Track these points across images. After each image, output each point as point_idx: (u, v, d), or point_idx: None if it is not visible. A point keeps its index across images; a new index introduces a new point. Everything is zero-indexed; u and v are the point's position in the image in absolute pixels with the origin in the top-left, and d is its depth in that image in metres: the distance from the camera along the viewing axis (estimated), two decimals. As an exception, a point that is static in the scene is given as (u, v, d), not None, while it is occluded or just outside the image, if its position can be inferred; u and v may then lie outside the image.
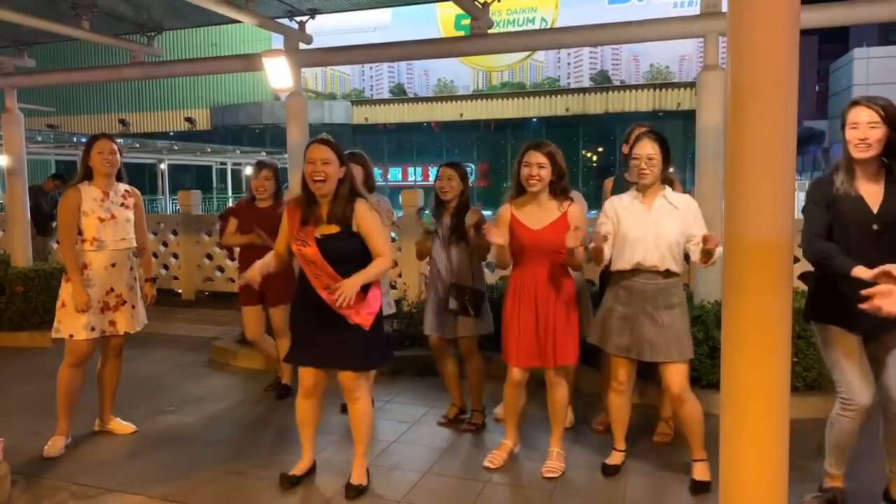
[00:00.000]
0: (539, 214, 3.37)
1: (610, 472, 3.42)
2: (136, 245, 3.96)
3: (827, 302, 2.85)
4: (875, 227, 2.72)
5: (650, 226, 3.17)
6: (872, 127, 2.68)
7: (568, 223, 3.31)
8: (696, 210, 3.24)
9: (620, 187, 3.85)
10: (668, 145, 3.24)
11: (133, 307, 3.91)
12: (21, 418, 4.30)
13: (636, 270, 3.20)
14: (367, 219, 3.09)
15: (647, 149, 3.18)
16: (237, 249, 4.86)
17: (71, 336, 3.74)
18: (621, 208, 3.28)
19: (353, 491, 3.22)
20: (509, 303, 3.45)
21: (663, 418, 3.89)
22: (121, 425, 4.08)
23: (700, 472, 3.24)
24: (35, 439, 3.91)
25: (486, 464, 3.52)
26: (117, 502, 3.22)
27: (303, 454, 3.41)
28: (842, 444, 2.89)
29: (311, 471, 3.43)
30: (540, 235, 3.33)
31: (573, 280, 3.48)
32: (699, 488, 3.20)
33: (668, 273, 3.18)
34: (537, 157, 3.33)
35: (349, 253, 3.08)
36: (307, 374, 3.23)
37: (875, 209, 2.74)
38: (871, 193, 2.76)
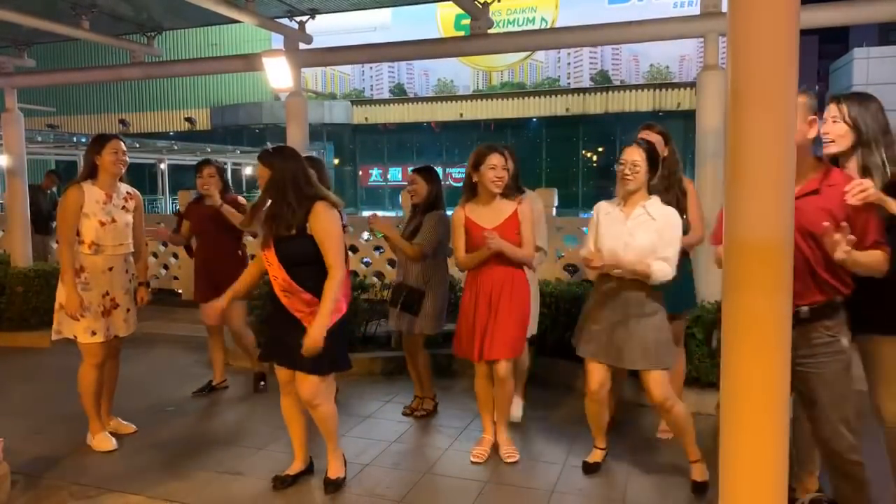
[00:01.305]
0: (492, 214, 3.51)
1: (590, 469, 3.45)
2: (131, 250, 3.92)
3: None
4: None
5: (623, 234, 3.17)
6: (835, 121, 2.63)
7: (519, 220, 3.48)
8: (673, 228, 3.14)
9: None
10: (655, 154, 3.23)
11: (127, 310, 3.88)
12: (21, 418, 4.30)
13: (609, 276, 3.20)
14: (321, 222, 3.05)
15: (634, 155, 3.16)
16: (193, 246, 4.89)
17: (75, 337, 3.72)
18: (603, 213, 3.31)
19: (332, 486, 3.27)
20: (465, 299, 3.60)
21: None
22: (121, 425, 4.07)
23: (698, 472, 3.25)
24: (35, 439, 3.91)
25: (473, 459, 3.61)
26: (117, 502, 3.22)
27: (295, 454, 3.41)
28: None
29: (309, 471, 3.43)
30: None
31: (527, 277, 3.62)
32: (698, 489, 3.21)
33: (638, 283, 3.14)
34: (502, 160, 3.47)
35: (302, 255, 3.06)
36: (280, 371, 3.27)
37: None
38: None
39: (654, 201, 3.22)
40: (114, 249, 3.79)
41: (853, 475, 2.54)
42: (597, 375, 3.28)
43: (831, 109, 2.66)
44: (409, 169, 4.31)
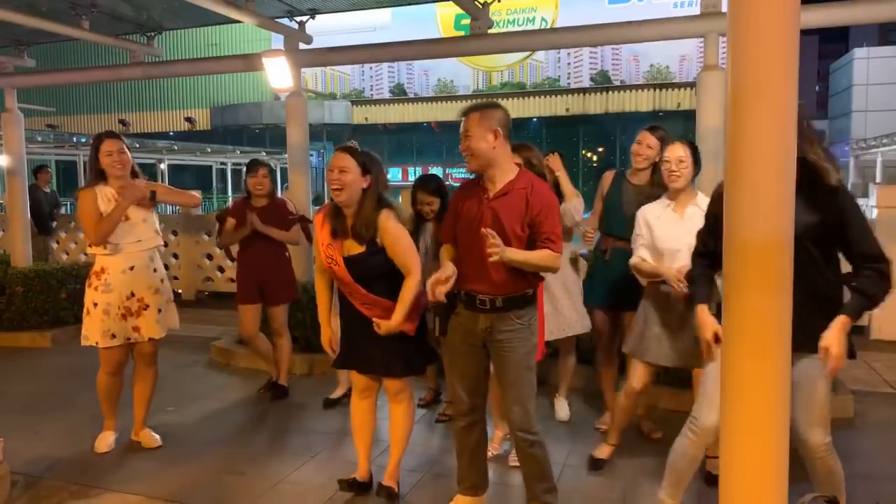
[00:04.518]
0: None
1: (597, 466, 3.46)
2: (157, 245, 3.80)
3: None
4: None
5: (683, 235, 3.05)
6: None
7: None
8: None
9: (620, 182, 3.82)
10: (697, 151, 3.24)
11: (159, 311, 3.75)
12: (21, 418, 4.30)
13: (663, 281, 3.17)
14: (390, 233, 2.93)
15: (679, 152, 3.16)
16: (235, 249, 4.83)
17: (97, 344, 3.66)
18: (653, 218, 3.25)
19: (384, 491, 3.14)
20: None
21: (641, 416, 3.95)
22: (149, 438, 3.91)
23: (717, 466, 3.23)
24: (35, 439, 3.91)
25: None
26: (117, 502, 3.22)
27: (359, 465, 3.27)
28: (678, 469, 2.76)
29: (369, 485, 3.27)
30: None
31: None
32: (712, 481, 3.15)
33: None
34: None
35: (378, 271, 2.95)
36: (359, 376, 3.18)
37: None
38: None
39: (702, 196, 3.19)
40: (133, 247, 3.67)
41: (529, 452, 2.82)
42: (643, 377, 3.29)
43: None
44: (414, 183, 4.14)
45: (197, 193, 4.23)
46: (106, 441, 3.81)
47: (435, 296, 2.69)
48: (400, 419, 3.19)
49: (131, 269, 3.68)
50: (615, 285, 3.70)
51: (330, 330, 3.17)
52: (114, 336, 3.66)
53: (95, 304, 3.66)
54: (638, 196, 3.64)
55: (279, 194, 4.82)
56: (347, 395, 4.52)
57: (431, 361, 3.25)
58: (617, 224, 3.71)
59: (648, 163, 3.69)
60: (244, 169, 4.90)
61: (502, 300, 2.72)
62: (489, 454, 3.56)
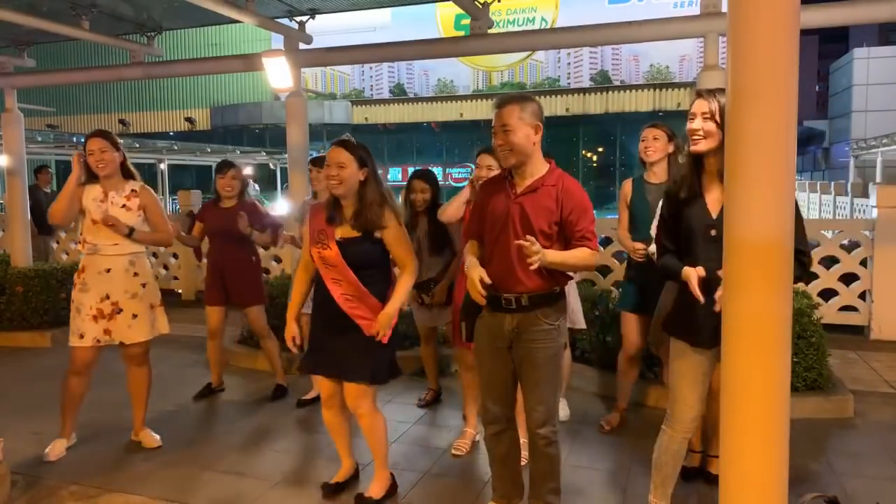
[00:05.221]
0: None
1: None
2: (136, 251, 3.71)
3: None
4: (714, 232, 2.51)
5: None
6: (706, 118, 2.51)
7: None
8: None
9: (641, 187, 3.76)
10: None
11: (134, 316, 3.67)
12: (21, 418, 4.30)
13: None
14: (392, 230, 2.97)
15: None
16: (204, 249, 4.82)
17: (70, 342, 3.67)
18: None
19: (362, 502, 3.12)
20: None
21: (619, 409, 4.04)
22: (148, 438, 3.88)
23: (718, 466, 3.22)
24: (35, 440, 3.91)
25: (454, 452, 3.67)
26: (117, 502, 3.22)
27: (342, 462, 3.32)
28: (663, 466, 2.74)
29: (356, 476, 3.34)
30: None
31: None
32: (714, 481, 3.16)
33: None
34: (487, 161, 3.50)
35: (370, 258, 2.97)
36: (323, 385, 3.15)
37: (715, 214, 2.54)
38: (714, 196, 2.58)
39: None
40: (110, 249, 3.62)
41: (544, 451, 2.76)
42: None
43: (701, 105, 2.53)
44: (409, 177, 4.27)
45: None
46: (56, 449, 3.69)
47: (480, 296, 2.62)
48: (366, 432, 3.12)
49: (108, 271, 3.63)
50: (656, 289, 3.56)
51: (295, 327, 3.12)
52: (82, 336, 3.62)
53: (72, 302, 3.67)
54: (661, 194, 3.61)
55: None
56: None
57: (395, 376, 3.19)
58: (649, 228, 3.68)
59: (661, 154, 3.64)
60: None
61: (528, 298, 2.63)
62: (457, 453, 3.65)
